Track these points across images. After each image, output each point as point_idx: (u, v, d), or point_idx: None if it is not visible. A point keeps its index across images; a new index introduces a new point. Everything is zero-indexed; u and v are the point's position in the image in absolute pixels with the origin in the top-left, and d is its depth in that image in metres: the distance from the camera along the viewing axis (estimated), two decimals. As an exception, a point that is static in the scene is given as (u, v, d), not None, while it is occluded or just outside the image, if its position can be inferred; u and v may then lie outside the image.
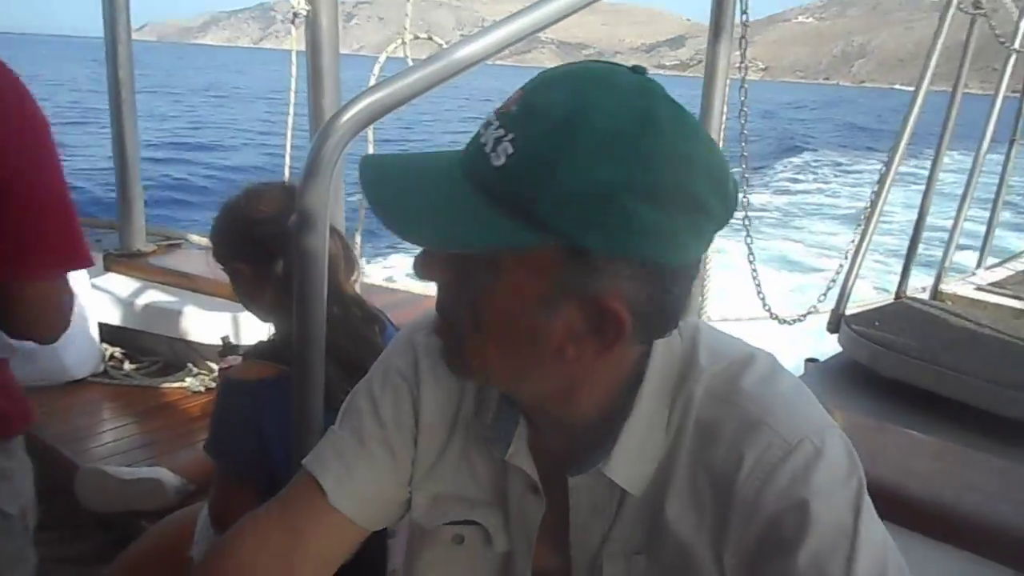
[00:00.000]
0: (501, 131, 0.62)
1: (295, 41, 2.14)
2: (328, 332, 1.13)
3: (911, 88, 2.58)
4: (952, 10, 2.28)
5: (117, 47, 2.98)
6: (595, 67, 0.64)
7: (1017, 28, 2.61)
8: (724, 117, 1.58)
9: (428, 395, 0.83)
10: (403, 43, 1.96)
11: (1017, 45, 2.63)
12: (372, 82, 2.02)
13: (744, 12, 1.56)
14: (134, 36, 3.09)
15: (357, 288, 1.58)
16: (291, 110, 2.14)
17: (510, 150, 0.61)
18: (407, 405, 0.83)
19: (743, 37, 1.59)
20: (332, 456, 0.83)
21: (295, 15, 2.10)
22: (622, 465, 0.72)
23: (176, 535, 1.54)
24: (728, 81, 1.58)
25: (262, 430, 1.30)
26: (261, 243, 1.36)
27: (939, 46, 2.23)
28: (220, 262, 1.44)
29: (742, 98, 1.63)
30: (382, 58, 1.98)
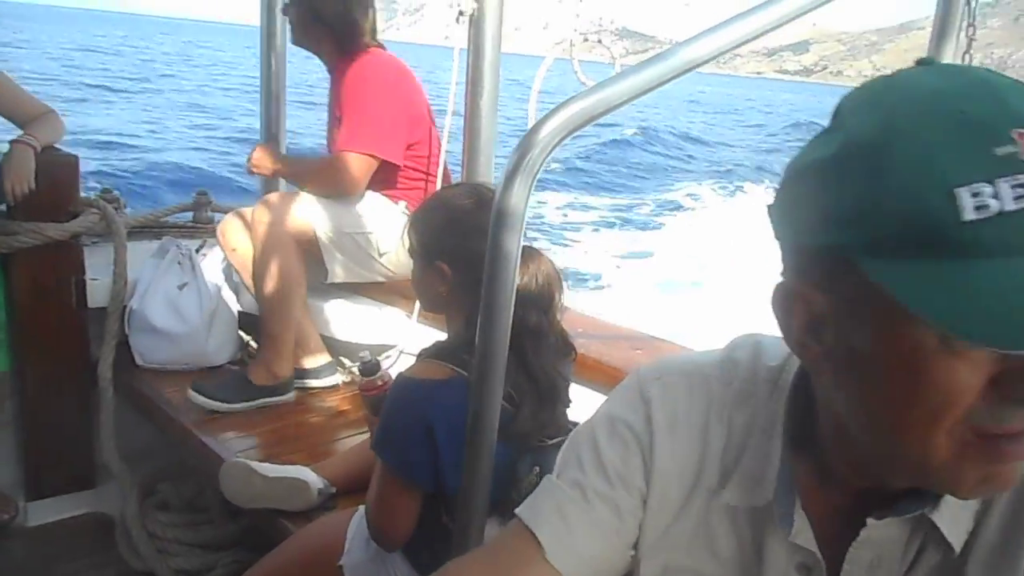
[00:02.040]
0: None
1: (457, 38, 2.10)
2: (530, 356, 1.08)
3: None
4: None
5: (272, 39, 3.00)
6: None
7: None
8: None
9: (663, 453, 0.75)
10: (571, 44, 1.87)
11: None
12: (538, 84, 1.95)
13: (971, 23, 1.40)
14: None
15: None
16: (451, 108, 2.10)
17: None
18: (637, 463, 0.75)
19: (967, 52, 1.42)
20: (551, 509, 0.76)
21: (460, 12, 2.06)
22: (947, 512, 0.62)
23: (324, 542, 1.51)
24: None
25: (433, 431, 1.27)
26: (477, 251, 1.32)
27: None
28: (418, 256, 1.42)
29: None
30: (548, 60, 1.90)
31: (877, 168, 0.52)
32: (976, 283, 0.49)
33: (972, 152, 0.50)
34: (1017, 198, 0.48)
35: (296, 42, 2.55)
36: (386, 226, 2.40)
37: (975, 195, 0.49)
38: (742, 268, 8.29)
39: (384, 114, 2.35)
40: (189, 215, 3.14)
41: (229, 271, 2.69)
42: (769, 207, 0.63)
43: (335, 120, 2.48)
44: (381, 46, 2.52)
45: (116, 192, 2.95)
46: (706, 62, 1.11)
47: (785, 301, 0.62)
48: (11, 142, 2.38)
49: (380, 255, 2.42)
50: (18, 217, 2.41)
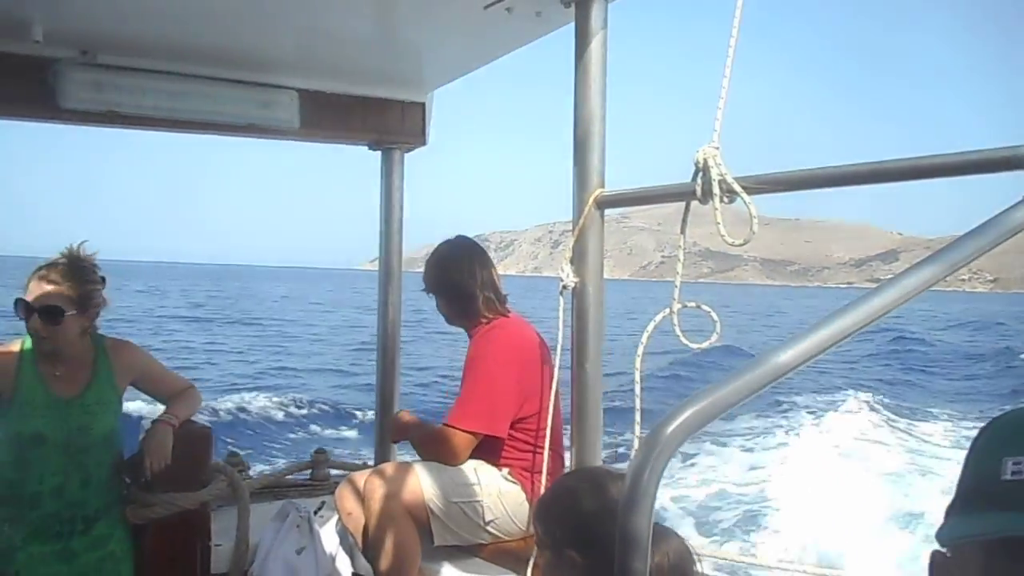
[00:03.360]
0: None
1: (561, 311, 2.24)
2: None
3: None
4: None
5: (389, 280, 3.31)
6: None
7: None
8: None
9: None
10: (671, 312, 1.96)
11: None
12: (640, 350, 2.03)
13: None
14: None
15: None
16: (555, 388, 2.20)
17: None
18: None
19: None
20: None
21: (563, 287, 2.21)
22: None
23: None
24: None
25: None
26: (604, 539, 1.34)
27: None
28: (546, 547, 1.44)
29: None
30: (650, 327, 1.98)
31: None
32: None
33: None
34: None
35: (446, 320, 2.79)
36: (491, 494, 2.48)
37: (1016, 463, 0.67)
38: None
39: (493, 391, 2.50)
40: (308, 473, 3.27)
41: (344, 532, 2.74)
42: None
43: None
44: (506, 312, 2.70)
45: (242, 455, 3.13)
46: (812, 358, 1.16)
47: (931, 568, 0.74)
48: (153, 421, 2.59)
49: (486, 523, 2.47)
50: (154, 488, 2.56)
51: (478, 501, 2.44)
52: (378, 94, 2.97)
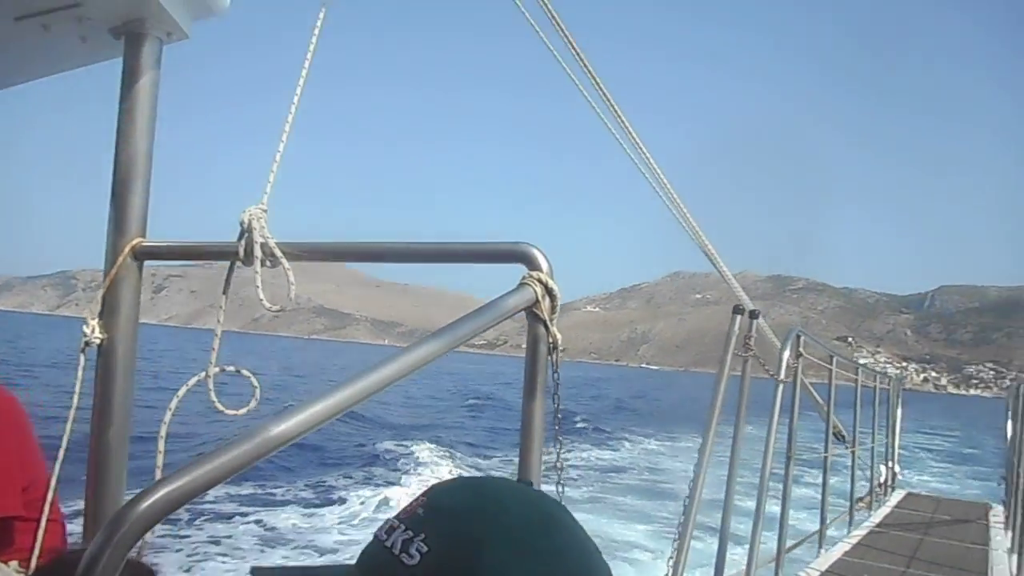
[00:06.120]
0: (409, 533, 0.68)
1: (81, 370, 1.95)
2: None
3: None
4: (730, 355, 2.57)
5: None
6: (493, 478, 0.75)
7: (780, 362, 3.00)
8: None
9: None
10: (207, 375, 1.86)
11: (782, 376, 2.99)
12: (168, 417, 1.87)
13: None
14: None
15: None
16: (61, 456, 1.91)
17: (424, 548, 0.66)
18: None
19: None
20: None
21: (86, 343, 1.95)
22: None
23: None
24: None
25: None
26: None
27: (722, 390, 2.50)
28: None
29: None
30: (181, 392, 1.85)
31: None
32: None
33: None
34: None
35: None
36: None
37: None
38: None
39: None
40: None
41: None
42: None
43: None
44: None
45: None
46: (302, 434, 1.15)
47: None
48: None
49: None
50: None
51: None
52: None
